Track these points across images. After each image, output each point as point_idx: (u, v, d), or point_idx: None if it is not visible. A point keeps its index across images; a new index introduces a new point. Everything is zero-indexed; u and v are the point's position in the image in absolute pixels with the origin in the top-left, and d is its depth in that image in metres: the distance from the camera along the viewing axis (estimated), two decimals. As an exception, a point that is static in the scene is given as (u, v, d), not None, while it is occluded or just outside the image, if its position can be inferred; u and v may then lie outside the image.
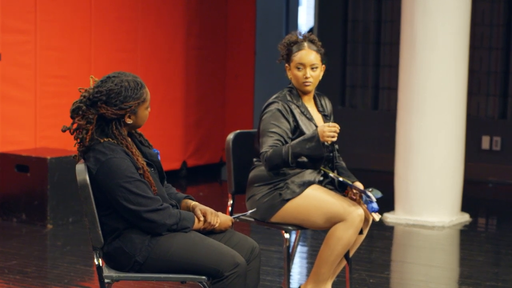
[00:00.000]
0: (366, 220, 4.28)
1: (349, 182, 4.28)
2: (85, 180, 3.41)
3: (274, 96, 4.39)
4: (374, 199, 4.17)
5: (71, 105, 3.49)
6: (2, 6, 6.95)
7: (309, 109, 4.40)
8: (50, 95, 7.36)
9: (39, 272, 5.38)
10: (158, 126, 8.48)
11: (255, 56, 9.50)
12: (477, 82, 9.22)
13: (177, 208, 3.62)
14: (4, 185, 6.76)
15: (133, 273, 3.50)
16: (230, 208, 4.60)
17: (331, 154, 4.40)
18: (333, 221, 4.22)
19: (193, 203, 3.69)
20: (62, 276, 5.27)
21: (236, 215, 4.14)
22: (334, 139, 4.19)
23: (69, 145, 7.07)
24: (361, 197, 4.23)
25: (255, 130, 4.49)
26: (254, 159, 4.42)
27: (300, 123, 4.30)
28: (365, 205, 4.19)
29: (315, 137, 4.18)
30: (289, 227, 4.32)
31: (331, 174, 4.35)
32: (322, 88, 4.56)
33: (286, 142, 4.26)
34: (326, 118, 4.46)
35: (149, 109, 3.56)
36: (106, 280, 3.46)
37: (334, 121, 4.49)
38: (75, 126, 3.49)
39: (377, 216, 4.20)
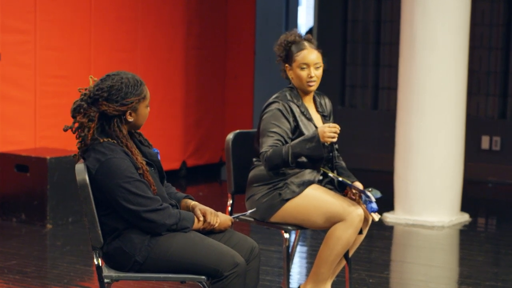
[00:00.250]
0: (365, 220, 4.28)
1: (349, 182, 4.28)
2: (85, 180, 3.42)
3: (274, 96, 4.38)
4: (373, 199, 4.17)
5: (71, 105, 3.50)
6: (2, 6, 6.95)
7: (309, 109, 4.40)
8: (50, 95, 7.36)
9: (39, 272, 5.38)
10: (158, 126, 8.48)
11: (254, 56, 9.50)
12: (477, 82, 9.22)
13: (176, 208, 3.62)
14: (4, 185, 6.76)
15: (132, 273, 3.50)
16: (229, 208, 4.60)
17: (331, 154, 4.40)
18: (332, 221, 4.22)
19: (192, 203, 3.69)
20: (61, 276, 5.27)
21: (236, 215, 4.14)
22: (335, 140, 4.19)
23: (69, 145, 7.09)
24: (360, 197, 4.23)
25: (255, 130, 4.48)
26: (254, 159, 4.42)
27: (300, 123, 4.30)
28: (364, 205, 4.19)
29: (315, 138, 4.17)
30: (289, 227, 4.32)
31: (331, 174, 4.35)
32: (322, 88, 4.55)
33: (286, 142, 4.26)
34: (325, 118, 4.45)
35: (148, 108, 3.57)
36: (105, 280, 3.46)
37: (334, 121, 4.50)
38: (76, 125, 3.50)
39: (376, 216, 4.20)
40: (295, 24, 11.11)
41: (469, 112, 8.92)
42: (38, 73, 7.26)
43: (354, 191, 4.26)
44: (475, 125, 9.08)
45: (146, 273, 3.50)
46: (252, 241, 3.66)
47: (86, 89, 3.50)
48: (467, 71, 7.08)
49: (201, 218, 3.59)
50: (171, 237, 3.48)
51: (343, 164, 4.51)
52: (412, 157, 6.97)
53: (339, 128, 4.18)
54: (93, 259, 3.48)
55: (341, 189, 4.37)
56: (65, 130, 3.52)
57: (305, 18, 13.32)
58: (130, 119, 3.51)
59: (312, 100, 4.45)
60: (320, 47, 4.45)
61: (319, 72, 4.34)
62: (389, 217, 7.08)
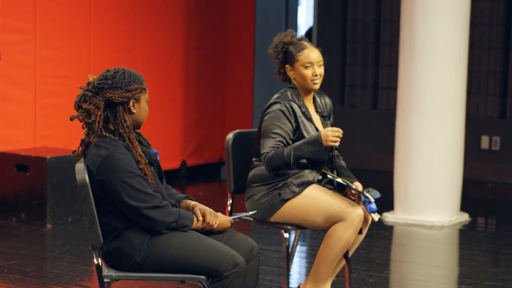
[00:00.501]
0: (365, 219, 4.28)
1: (347, 183, 4.28)
2: (85, 180, 3.42)
3: (275, 96, 4.37)
4: (372, 200, 4.17)
5: (71, 105, 3.53)
6: (2, 6, 6.95)
7: (309, 109, 4.40)
8: (50, 95, 7.36)
9: (39, 272, 5.38)
10: (158, 125, 8.48)
11: (254, 56, 9.50)
12: (477, 82, 9.22)
13: (176, 207, 3.62)
14: (4, 185, 6.76)
15: (132, 273, 3.51)
16: (229, 208, 4.60)
17: (330, 154, 4.40)
18: (332, 221, 4.22)
19: (192, 202, 3.69)
20: (61, 276, 5.27)
21: (236, 216, 4.14)
22: (337, 144, 4.20)
23: (68, 144, 7.09)
24: (359, 198, 4.23)
25: (255, 130, 4.48)
26: (254, 159, 4.42)
27: (301, 124, 4.30)
28: (364, 206, 4.19)
29: (318, 141, 4.17)
30: (289, 227, 4.32)
31: (330, 176, 4.35)
32: (322, 88, 4.55)
33: (288, 143, 4.26)
34: (324, 119, 4.45)
35: (147, 106, 3.60)
36: (105, 280, 3.46)
37: (334, 121, 4.50)
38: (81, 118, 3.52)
39: (376, 217, 4.20)
40: (295, 24, 11.10)
41: (469, 112, 8.92)
42: (38, 73, 7.26)
43: (353, 191, 4.27)
44: (474, 125, 9.08)
45: (145, 273, 3.50)
46: (251, 240, 3.66)
47: (88, 82, 3.54)
48: (466, 71, 7.08)
49: (201, 218, 3.59)
50: (171, 237, 3.48)
51: (343, 164, 4.51)
52: (412, 157, 6.97)
53: (342, 132, 4.19)
54: (93, 258, 3.48)
55: (340, 189, 4.37)
56: (72, 119, 3.55)
57: (305, 18, 13.32)
58: (134, 110, 3.53)
59: (311, 101, 4.46)
60: (320, 46, 4.47)
61: (322, 70, 4.36)
62: (389, 217, 7.08)
